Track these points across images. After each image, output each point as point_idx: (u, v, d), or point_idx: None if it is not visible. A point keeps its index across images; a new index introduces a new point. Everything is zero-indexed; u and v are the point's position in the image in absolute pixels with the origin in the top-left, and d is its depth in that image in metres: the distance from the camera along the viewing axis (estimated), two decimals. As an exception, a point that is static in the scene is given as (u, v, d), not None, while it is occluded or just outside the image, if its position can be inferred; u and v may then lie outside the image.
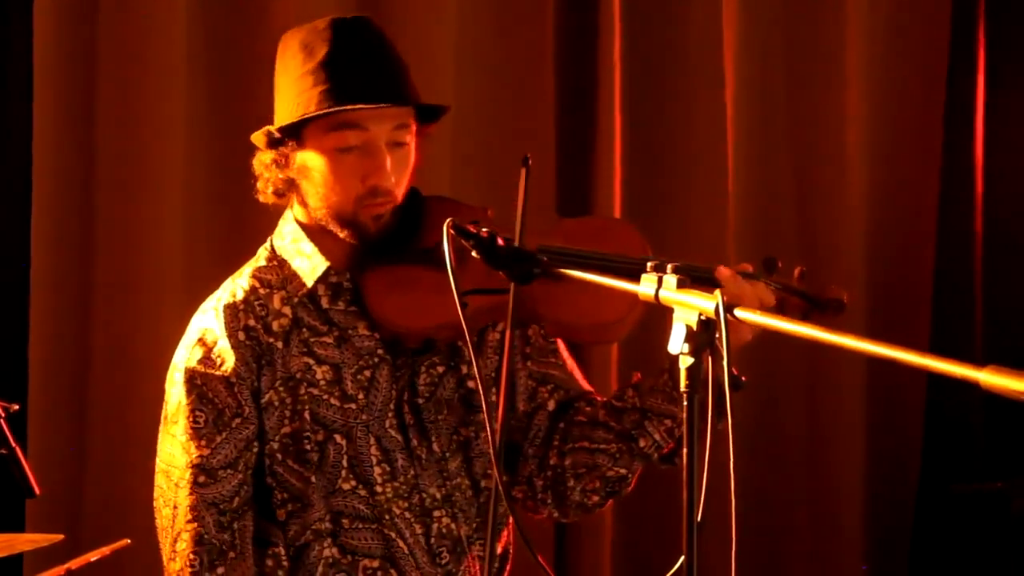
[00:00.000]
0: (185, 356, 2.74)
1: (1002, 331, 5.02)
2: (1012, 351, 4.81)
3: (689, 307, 2.05)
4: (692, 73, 4.69)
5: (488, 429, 2.66)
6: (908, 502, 4.96)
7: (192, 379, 2.71)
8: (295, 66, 2.71)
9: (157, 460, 2.76)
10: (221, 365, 2.70)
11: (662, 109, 4.68)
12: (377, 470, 2.74)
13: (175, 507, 2.70)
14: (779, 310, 2.81)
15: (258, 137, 2.77)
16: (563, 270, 2.41)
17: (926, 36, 5.04)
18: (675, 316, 2.06)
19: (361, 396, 2.74)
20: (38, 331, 3.94)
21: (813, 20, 4.90)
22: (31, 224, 3.94)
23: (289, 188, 2.76)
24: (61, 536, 3.00)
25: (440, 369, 2.81)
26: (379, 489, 2.74)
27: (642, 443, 2.82)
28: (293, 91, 2.70)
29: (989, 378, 1.64)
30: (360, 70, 2.68)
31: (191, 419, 2.70)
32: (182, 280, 4.00)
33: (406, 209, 2.75)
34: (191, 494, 2.68)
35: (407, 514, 2.75)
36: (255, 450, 2.71)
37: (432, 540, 2.76)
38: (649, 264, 2.15)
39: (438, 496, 2.78)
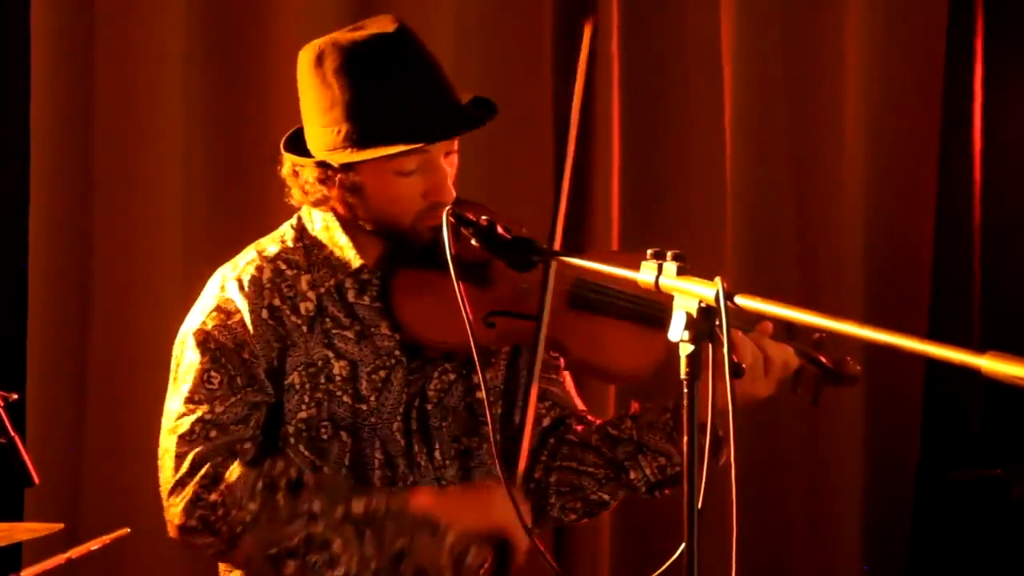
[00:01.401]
0: (200, 320, 2.70)
1: (1000, 321, 5.02)
2: (1010, 341, 4.81)
3: (689, 294, 2.05)
4: (690, 68, 4.68)
5: (491, 441, 2.63)
6: (907, 490, 4.97)
7: (206, 342, 2.68)
8: (342, 86, 2.64)
9: (164, 421, 2.72)
10: (238, 338, 2.68)
11: (660, 105, 4.67)
12: (377, 474, 2.73)
13: (178, 457, 2.66)
14: (795, 377, 2.82)
15: (295, 158, 2.72)
16: (568, 259, 2.42)
17: (924, 27, 5.03)
18: (675, 303, 2.06)
19: (373, 398, 2.72)
20: (37, 320, 3.94)
21: (811, 14, 4.89)
22: (29, 213, 3.93)
23: (329, 200, 2.73)
24: (60, 525, 3.01)
25: (451, 376, 2.79)
26: None
27: (632, 475, 2.83)
28: (341, 114, 2.64)
29: (991, 364, 1.64)
30: (417, 97, 2.64)
31: (204, 379, 2.67)
32: (181, 270, 3.99)
33: None
34: (203, 445, 2.64)
35: None
36: (264, 412, 2.68)
37: None
38: (649, 252, 2.15)
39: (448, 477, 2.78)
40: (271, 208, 4.07)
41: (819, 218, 4.90)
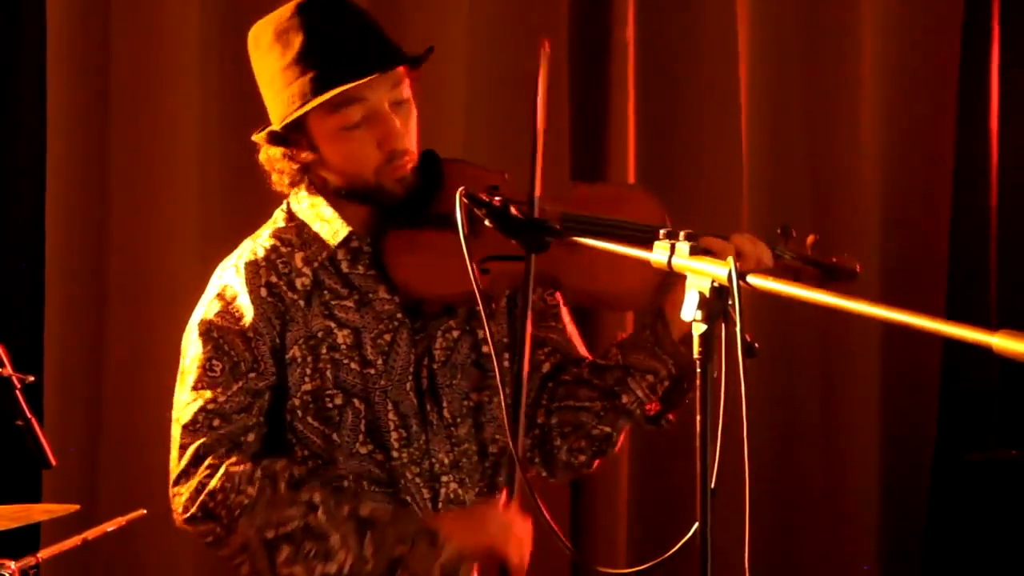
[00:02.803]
0: (203, 310, 2.74)
1: (1017, 302, 5.01)
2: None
3: (702, 274, 2.05)
4: (706, 55, 4.68)
5: (501, 394, 2.66)
6: (924, 471, 4.96)
7: (208, 331, 2.71)
8: (275, 59, 2.70)
9: (173, 414, 2.74)
10: (240, 319, 2.70)
11: (676, 84, 4.67)
12: (394, 435, 2.75)
13: (182, 447, 2.68)
14: (794, 279, 2.80)
15: (260, 137, 2.77)
16: (578, 238, 2.42)
17: (941, 14, 5.01)
18: (688, 283, 2.06)
19: (380, 361, 2.74)
20: (54, 303, 3.95)
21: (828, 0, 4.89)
22: (46, 199, 3.95)
23: (304, 174, 2.77)
24: (77, 506, 3.02)
25: (455, 334, 2.81)
26: (395, 455, 2.75)
27: (624, 399, 2.84)
28: (280, 84, 2.69)
29: (1002, 342, 1.64)
30: (341, 47, 2.67)
31: (207, 368, 2.69)
32: (197, 255, 4.00)
33: (424, 172, 2.76)
34: (207, 435, 2.67)
35: (417, 479, 2.75)
36: (267, 399, 2.70)
37: (440, 505, 2.77)
38: (662, 231, 2.15)
39: (446, 461, 2.78)
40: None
41: (835, 205, 4.89)
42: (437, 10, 4.31)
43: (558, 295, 2.87)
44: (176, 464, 2.69)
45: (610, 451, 2.90)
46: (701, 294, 2.04)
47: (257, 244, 2.78)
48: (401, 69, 2.72)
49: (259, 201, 4.06)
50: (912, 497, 4.96)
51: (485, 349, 2.81)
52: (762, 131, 4.78)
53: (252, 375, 2.69)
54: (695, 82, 4.67)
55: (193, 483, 2.65)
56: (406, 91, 2.72)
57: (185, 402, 2.71)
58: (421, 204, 2.73)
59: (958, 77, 5.01)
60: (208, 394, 2.68)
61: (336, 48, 2.67)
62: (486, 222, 2.46)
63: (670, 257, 2.11)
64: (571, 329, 2.97)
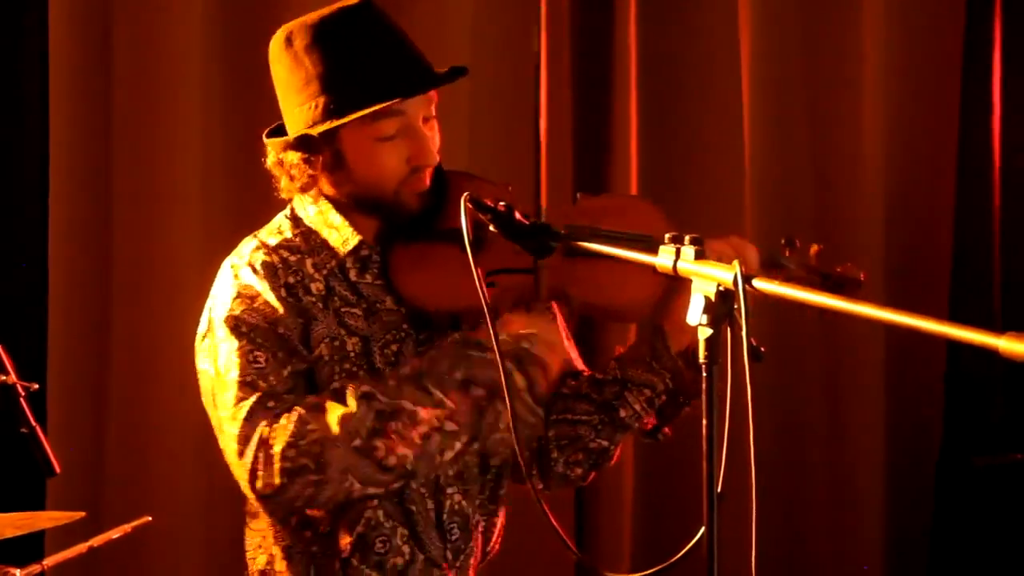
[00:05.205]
0: (227, 308, 2.69)
1: (1021, 304, 5.01)
2: (1032, 323, 4.81)
3: (707, 278, 2.05)
4: (708, 56, 4.68)
5: (508, 408, 2.64)
6: (929, 474, 4.96)
7: (238, 326, 2.67)
8: (311, 61, 2.68)
9: (218, 414, 2.67)
10: (269, 315, 2.68)
11: (678, 93, 4.67)
12: None
13: (246, 438, 2.60)
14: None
15: (276, 142, 2.75)
16: (583, 244, 2.42)
17: (943, 14, 5.01)
18: (693, 287, 2.06)
19: (387, 371, 2.72)
20: (57, 311, 3.95)
21: (831, 1, 4.88)
22: (49, 206, 3.95)
23: (316, 181, 2.76)
24: (82, 513, 3.01)
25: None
26: None
27: (622, 413, 2.84)
28: (315, 89, 2.68)
29: (1009, 345, 1.63)
30: (388, 60, 2.68)
31: (250, 360, 2.65)
32: (200, 262, 3.98)
33: (432, 185, 2.76)
34: (264, 412, 2.61)
35: (422, 490, 2.75)
36: (305, 383, 2.67)
37: (444, 517, 2.77)
38: (667, 236, 2.15)
39: (450, 473, 2.77)
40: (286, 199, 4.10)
41: (838, 208, 4.89)
42: (439, 15, 4.32)
43: (555, 308, 2.87)
44: (245, 458, 2.60)
45: (606, 464, 2.91)
46: (707, 298, 2.04)
47: (264, 247, 2.76)
48: (433, 90, 2.74)
49: (261, 206, 4.07)
50: (918, 501, 4.96)
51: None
52: (765, 134, 4.78)
53: (294, 358, 2.66)
54: (698, 85, 4.68)
55: (274, 458, 2.56)
56: (433, 108, 2.74)
57: (236, 398, 2.64)
58: (427, 217, 2.74)
59: (960, 78, 5.01)
60: (261, 383, 2.62)
61: (383, 59, 2.68)
62: (491, 227, 2.47)
63: (675, 262, 2.11)
64: (567, 342, 2.96)
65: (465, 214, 2.38)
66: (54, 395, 3.87)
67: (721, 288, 2.03)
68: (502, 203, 2.47)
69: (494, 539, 2.88)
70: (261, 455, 2.58)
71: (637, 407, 2.83)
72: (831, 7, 4.88)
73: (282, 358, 2.66)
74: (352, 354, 2.72)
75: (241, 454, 2.60)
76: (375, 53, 2.68)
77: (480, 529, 2.83)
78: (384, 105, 2.63)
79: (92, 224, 4.00)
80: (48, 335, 3.93)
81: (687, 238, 2.12)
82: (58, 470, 2.71)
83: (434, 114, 2.74)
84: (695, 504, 2.08)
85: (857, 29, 4.89)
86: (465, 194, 2.42)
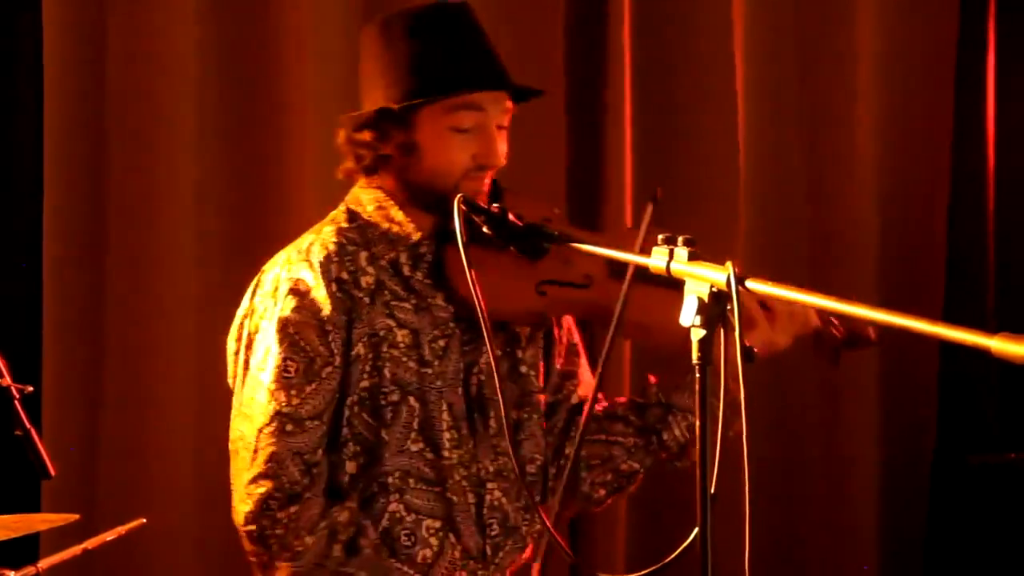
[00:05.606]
0: (278, 306, 2.75)
1: (1015, 304, 5.01)
2: (1025, 324, 4.80)
3: (701, 279, 2.05)
4: (702, 57, 4.67)
5: (503, 410, 2.70)
6: (924, 474, 4.96)
7: (285, 327, 2.73)
8: (405, 44, 2.76)
9: (236, 404, 2.79)
10: (318, 312, 2.74)
11: (672, 92, 4.65)
12: (447, 435, 2.80)
13: (256, 451, 2.72)
14: (816, 338, 3.01)
15: (352, 117, 2.81)
16: (577, 246, 2.43)
17: (936, 12, 5.01)
18: (686, 288, 2.06)
19: (436, 363, 2.80)
20: (52, 313, 3.94)
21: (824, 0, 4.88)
22: (44, 208, 3.94)
23: (383, 163, 2.81)
24: (77, 516, 3.01)
25: (498, 352, 2.86)
26: (446, 454, 2.80)
27: (665, 436, 2.95)
28: (405, 69, 2.75)
29: (1000, 345, 1.64)
30: (479, 55, 2.78)
31: (282, 368, 2.72)
32: (195, 263, 4.00)
33: (489, 194, 2.81)
34: (277, 442, 2.71)
35: (464, 482, 2.81)
36: (335, 403, 2.76)
37: (484, 511, 2.82)
38: (660, 237, 2.15)
39: (491, 469, 2.84)
40: (285, 205, 4.10)
41: (832, 206, 4.89)
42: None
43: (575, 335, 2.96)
44: (247, 465, 2.73)
45: (628, 490, 3.01)
46: (700, 299, 2.04)
47: (323, 240, 2.81)
48: (511, 103, 2.82)
49: (256, 208, 4.09)
50: (912, 501, 4.95)
51: (523, 369, 2.89)
52: (758, 134, 4.77)
53: (328, 370, 2.74)
54: (692, 86, 4.67)
55: (259, 496, 2.70)
56: (508, 119, 2.81)
57: (255, 399, 2.74)
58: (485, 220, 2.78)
59: (954, 79, 5.00)
60: (283, 397, 2.71)
61: (474, 53, 2.78)
62: (484, 228, 2.48)
63: (668, 262, 2.11)
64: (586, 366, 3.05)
65: (458, 215, 2.39)
66: (49, 398, 3.86)
67: (714, 289, 2.03)
68: (496, 205, 2.49)
69: (538, 550, 2.91)
70: (263, 496, 2.71)
71: (677, 432, 2.95)
72: (825, 8, 4.88)
73: (315, 368, 2.73)
74: (402, 344, 2.78)
75: (252, 462, 2.72)
76: (464, 48, 2.78)
77: (522, 532, 2.88)
78: (466, 94, 2.73)
79: (87, 226, 4.00)
80: (43, 337, 3.93)
81: (680, 239, 2.12)
82: (53, 473, 2.70)
83: (507, 125, 2.80)
84: (688, 504, 2.08)
85: (851, 30, 4.88)
86: (459, 196, 2.44)
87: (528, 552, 2.90)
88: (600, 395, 2.99)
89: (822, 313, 2.93)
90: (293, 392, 2.71)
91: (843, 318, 2.96)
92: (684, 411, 2.93)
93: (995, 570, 4.77)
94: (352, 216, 2.85)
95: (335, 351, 2.74)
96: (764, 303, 2.84)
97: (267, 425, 2.72)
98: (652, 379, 2.99)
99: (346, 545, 2.73)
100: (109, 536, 3.16)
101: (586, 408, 2.80)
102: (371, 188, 2.84)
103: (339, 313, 2.74)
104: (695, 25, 4.67)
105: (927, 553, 4.94)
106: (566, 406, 2.98)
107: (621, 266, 2.80)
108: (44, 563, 3.07)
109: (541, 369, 2.94)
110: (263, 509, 2.70)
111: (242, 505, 2.73)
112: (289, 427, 2.71)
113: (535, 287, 2.79)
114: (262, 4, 4.13)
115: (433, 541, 2.77)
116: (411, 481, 2.77)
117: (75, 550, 3.11)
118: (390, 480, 2.76)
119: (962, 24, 5.01)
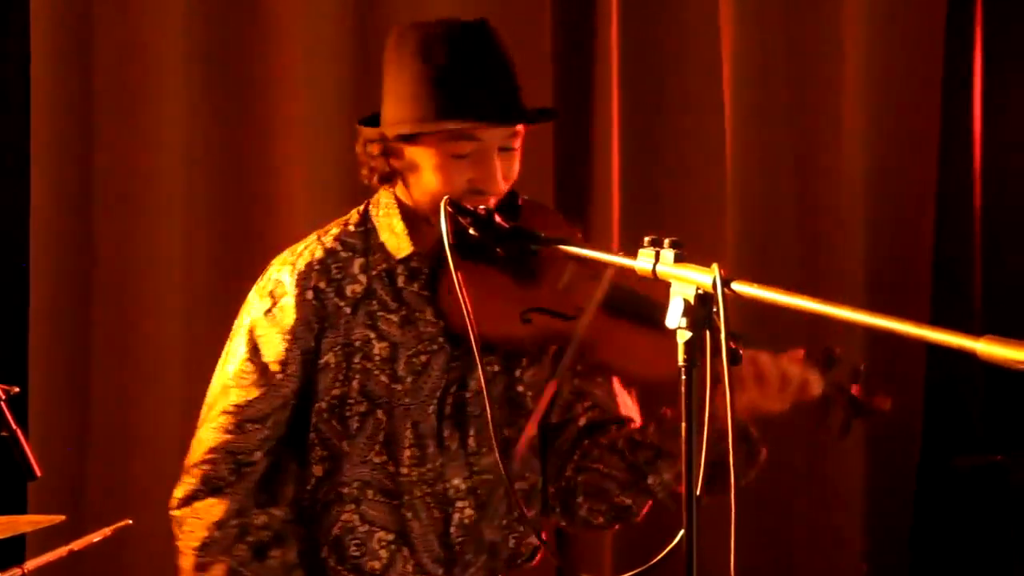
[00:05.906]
0: (256, 305, 2.81)
1: (1001, 307, 5.01)
2: (1011, 329, 4.79)
3: (686, 281, 2.05)
4: (690, 58, 4.67)
5: (490, 425, 2.66)
6: (909, 477, 4.96)
7: (253, 330, 2.79)
8: (412, 65, 2.73)
9: (209, 389, 2.85)
10: (282, 320, 2.77)
11: (660, 96, 4.65)
12: (407, 452, 2.79)
13: (200, 441, 2.81)
14: (824, 405, 2.84)
15: (364, 132, 2.81)
16: (566, 248, 2.43)
17: (923, 16, 5.01)
18: (672, 290, 2.06)
19: (409, 380, 2.79)
20: (39, 313, 3.94)
21: (811, 3, 4.88)
22: (31, 208, 3.94)
23: (394, 176, 2.82)
24: (62, 517, 3.01)
25: (496, 368, 2.85)
26: (404, 471, 2.79)
27: (650, 480, 2.87)
28: (408, 92, 2.73)
29: (986, 348, 1.64)
30: (478, 83, 2.72)
31: (241, 368, 2.78)
32: (182, 264, 4.00)
33: (501, 211, 2.77)
34: (217, 439, 2.78)
35: (428, 499, 2.80)
36: (290, 409, 2.79)
37: (452, 528, 2.81)
38: (646, 239, 2.15)
39: (463, 488, 2.82)
40: (271, 206, 4.10)
41: (820, 211, 4.88)
42: (419, 13, 4.31)
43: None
44: (192, 452, 2.82)
45: (630, 520, 2.94)
46: (686, 301, 2.04)
47: (319, 244, 2.83)
48: (521, 124, 2.77)
49: (244, 209, 4.09)
50: (899, 503, 4.96)
51: (520, 388, 2.86)
52: (746, 136, 4.77)
53: (279, 377, 2.77)
54: (679, 83, 4.67)
55: (190, 489, 2.79)
56: (516, 142, 2.77)
57: (216, 394, 2.82)
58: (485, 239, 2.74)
59: (941, 80, 5.01)
60: (233, 396, 2.78)
61: (473, 82, 2.72)
62: (471, 231, 2.48)
63: (655, 265, 2.11)
64: (617, 388, 2.98)
65: (445, 217, 2.39)
66: (35, 399, 3.86)
67: (700, 291, 2.03)
68: (482, 207, 2.48)
69: (531, 559, 2.92)
70: (194, 484, 2.80)
71: (667, 476, 2.85)
72: (813, 11, 4.88)
73: (269, 374, 2.77)
74: (377, 357, 2.78)
75: (192, 450, 2.82)
76: (469, 77, 2.72)
77: (501, 548, 2.87)
78: (454, 127, 2.69)
79: (74, 227, 3.99)
80: (29, 338, 3.92)
81: (667, 241, 2.12)
82: (39, 474, 2.70)
83: (515, 147, 2.77)
84: (676, 510, 2.08)
85: (838, 28, 4.88)
86: (445, 198, 2.44)
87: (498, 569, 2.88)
88: (637, 416, 2.96)
89: (834, 382, 2.82)
90: (243, 393, 2.77)
91: (863, 385, 2.86)
92: (675, 458, 2.78)
93: (981, 571, 4.78)
94: (365, 218, 2.86)
95: (290, 360, 2.77)
96: (756, 366, 2.73)
97: (215, 419, 2.79)
98: (667, 413, 2.85)
99: (254, 548, 2.76)
100: (95, 537, 3.16)
101: (541, 406, 2.77)
102: (389, 192, 2.84)
103: (304, 323, 2.77)
104: (683, 27, 4.67)
105: (913, 555, 4.95)
106: (573, 427, 2.94)
107: (619, 304, 2.74)
108: (30, 564, 3.07)
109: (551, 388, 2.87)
110: (188, 498, 2.79)
111: (177, 490, 2.82)
112: (231, 427, 2.77)
113: (521, 314, 2.74)
114: (251, 4, 4.13)
115: (383, 553, 2.78)
116: (369, 492, 2.78)
117: (61, 551, 3.10)
118: (346, 491, 2.78)
119: (949, 27, 5.01)
